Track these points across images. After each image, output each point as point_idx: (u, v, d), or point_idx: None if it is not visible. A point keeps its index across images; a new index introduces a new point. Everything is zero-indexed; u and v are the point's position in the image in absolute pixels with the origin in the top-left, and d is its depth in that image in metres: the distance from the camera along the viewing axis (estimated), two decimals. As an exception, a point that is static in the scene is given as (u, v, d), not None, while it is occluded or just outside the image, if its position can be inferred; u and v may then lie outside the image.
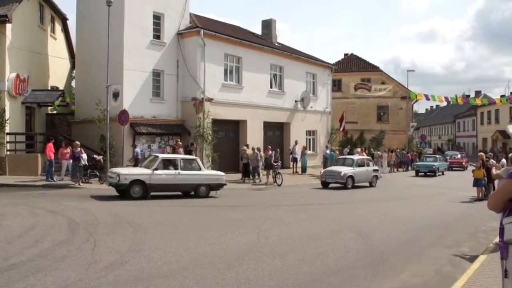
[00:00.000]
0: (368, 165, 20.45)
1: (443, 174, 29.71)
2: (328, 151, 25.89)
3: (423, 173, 28.42)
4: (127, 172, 13.55)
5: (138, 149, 19.23)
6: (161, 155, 14.62)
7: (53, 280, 5.37)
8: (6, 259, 6.22)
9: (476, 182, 15.66)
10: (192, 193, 14.27)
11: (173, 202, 13.31)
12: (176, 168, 13.86)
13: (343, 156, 22.35)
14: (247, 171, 20.44)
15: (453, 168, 34.55)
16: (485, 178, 15.25)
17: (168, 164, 13.97)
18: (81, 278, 5.46)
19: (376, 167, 21.62)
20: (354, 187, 19.07)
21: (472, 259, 7.04)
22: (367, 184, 20.18)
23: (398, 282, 5.90)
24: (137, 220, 9.44)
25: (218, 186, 14.60)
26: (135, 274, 5.72)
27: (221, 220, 10.18)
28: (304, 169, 25.10)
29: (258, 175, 20.34)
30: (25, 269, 5.75)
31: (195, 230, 8.78)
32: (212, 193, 14.46)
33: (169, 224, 9.39)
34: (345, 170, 18.91)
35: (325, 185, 19.06)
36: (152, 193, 13.47)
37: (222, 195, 14.83)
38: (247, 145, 21.69)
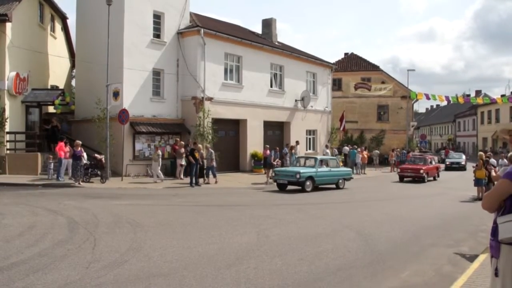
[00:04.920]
0: None
1: (339, 188, 18.05)
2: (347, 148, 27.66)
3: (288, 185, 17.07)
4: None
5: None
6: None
7: (53, 279, 5.38)
8: (6, 258, 6.22)
9: (478, 182, 15.65)
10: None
11: (173, 202, 13.33)
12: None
13: None
14: (201, 172, 18.40)
15: (415, 179, 22.56)
16: (486, 177, 15.23)
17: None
18: (81, 277, 5.46)
19: None
20: None
21: (472, 258, 7.04)
22: None
23: (398, 282, 5.90)
24: (137, 220, 9.44)
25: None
26: (135, 273, 5.72)
27: (221, 219, 10.17)
28: None
29: (214, 176, 18.45)
30: (25, 268, 5.75)
31: (195, 230, 8.78)
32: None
33: (169, 223, 9.39)
34: None
35: None
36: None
37: (221, 194, 14.80)
38: (202, 144, 20.06)
